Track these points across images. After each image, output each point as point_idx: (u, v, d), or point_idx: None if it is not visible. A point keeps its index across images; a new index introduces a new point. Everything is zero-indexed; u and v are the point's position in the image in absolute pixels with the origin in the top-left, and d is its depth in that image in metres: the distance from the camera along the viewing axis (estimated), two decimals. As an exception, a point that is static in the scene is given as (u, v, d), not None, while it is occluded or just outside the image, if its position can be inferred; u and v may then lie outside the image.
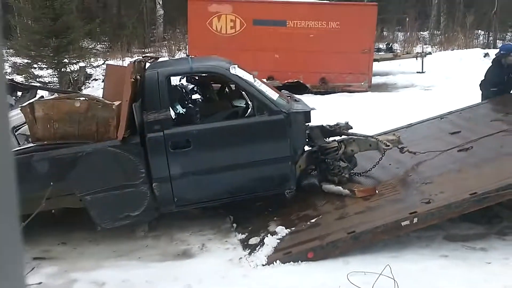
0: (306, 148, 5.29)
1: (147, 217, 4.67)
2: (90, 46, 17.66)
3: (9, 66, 13.36)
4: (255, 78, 4.98)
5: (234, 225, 4.86)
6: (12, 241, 0.41)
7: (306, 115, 5.02)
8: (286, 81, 12.29)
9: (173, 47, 20.14)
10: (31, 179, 4.24)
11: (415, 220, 4.05)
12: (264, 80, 6.76)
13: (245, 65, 5.30)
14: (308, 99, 6.11)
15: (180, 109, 5.42)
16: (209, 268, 4.04)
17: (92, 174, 4.39)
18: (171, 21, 23.34)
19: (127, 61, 9.68)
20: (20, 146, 4.57)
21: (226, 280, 3.84)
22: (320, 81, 12.66)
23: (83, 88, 12.24)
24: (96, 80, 13.01)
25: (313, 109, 5.06)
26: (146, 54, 14.71)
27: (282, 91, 5.99)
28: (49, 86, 9.58)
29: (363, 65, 12.66)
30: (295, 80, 12.51)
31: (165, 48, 20.63)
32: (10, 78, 6.54)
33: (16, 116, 4.65)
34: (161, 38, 22.97)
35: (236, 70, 4.83)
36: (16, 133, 4.67)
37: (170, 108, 4.84)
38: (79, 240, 4.68)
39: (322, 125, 5.39)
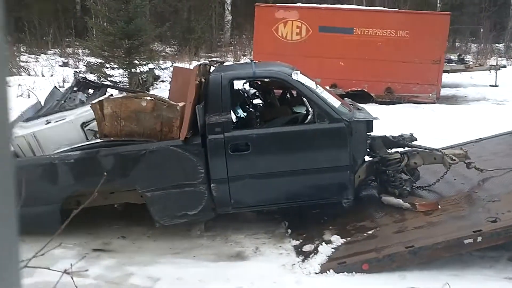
0: (367, 158, 5.18)
1: (204, 217, 4.74)
2: (159, 49, 18.28)
3: (84, 65, 14.09)
4: (317, 85, 4.94)
5: (289, 231, 4.83)
6: (9, 244, 0.41)
7: (369, 124, 4.91)
8: (349, 89, 12.11)
9: (238, 52, 20.43)
10: (97, 173, 4.41)
11: (479, 238, 3.84)
12: (327, 87, 6.70)
13: (309, 72, 5.27)
14: (372, 109, 5.99)
15: (241, 113, 5.48)
16: (261, 271, 4.04)
17: (153, 171, 4.52)
18: (238, 26, 23.71)
19: (194, 64, 9.92)
20: (88, 141, 4.79)
21: (278, 285, 3.82)
22: (385, 91, 12.36)
23: (151, 88, 12.68)
24: (163, 81, 13.44)
25: (376, 118, 4.94)
26: (212, 58, 15.03)
27: (345, 99, 5.91)
28: (119, 85, 10.00)
29: (432, 75, 12.23)
30: (359, 89, 12.30)
31: (230, 53, 20.97)
32: (83, 76, 6.88)
33: (86, 112, 4.88)
34: (228, 43, 23.38)
35: (298, 76, 4.81)
36: (85, 129, 4.90)
37: (232, 111, 4.90)
38: (138, 235, 4.83)
39: (385, 136, 5.26)
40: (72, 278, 1.85)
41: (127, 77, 12.66)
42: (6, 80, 0.41)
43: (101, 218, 5.03)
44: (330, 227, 4.67)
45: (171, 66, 12.76)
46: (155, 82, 13.41)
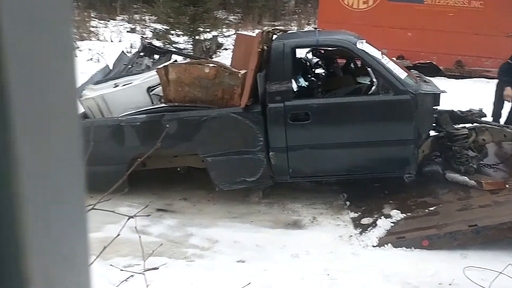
0: (432, 133, 5.01)
1: (262, 184, 4.80)
2: (223, 17, 18.30)
3: (150, 32, 14.40)
4: (383, 55, 4.78)
5: (347, 203, 4.80)
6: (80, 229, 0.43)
7: (436, 97, 4.73)
8: (417, 62, 11.63)
9: (302, 21, 20.09)
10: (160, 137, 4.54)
11: (550, 221, 3.65)
12: (394, 59, 6.47)
13: (375, 42, 5.10)
14: (440, 82, 5.74)
15: (303, 82, 5.42)
16: (318, 241, 4.06)
17: (214, 137, 4.60)
18: (303, -6, 23.22)
19: (256, 32, 9.88)
20: (153, 105, 4.93)
21: (334, 255, 3.83)
22: (455, 64, 11.76)
23: (214, 56, 12.78)
24: (226, 49, 13.49)
25: (443, 91, 4.74)
26: (276, 27, 14.87)
27: (411, 71, 5.70)
28: (183, 52, 10.16)
29: (506, 50, 11.47)
30: (428, 62, 11.77)
31: (294, 22, 20.65)
32: (149, 42, 7.04)
33: (152, 77, 5.01)
34: (292, 12, 23.01)
35: (363, 45, 4.68)
36: (151, 93, 5.04)
37: (293, 80, 4.86)
38: (199, 198, 4.97)
39: (453, 110, 5.05)
40: (136, 228, 1.94)
41: (191, 44, 12.82)
42: (73, 44, 0.41)
43: (165, 180, 5.21)
44: (390, 201, 4.59)
45: (234, 34, 12.78)
46: (218, 50, 13.48)
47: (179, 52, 8.93)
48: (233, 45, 8.43)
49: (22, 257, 0.33)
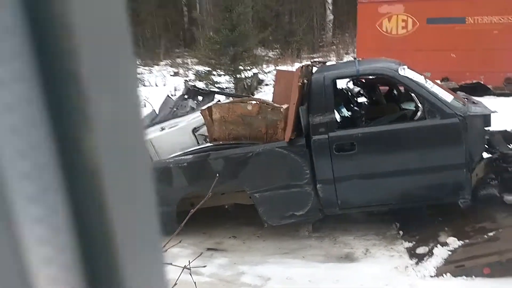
0: (486, 155, 4.83)
1: (311, 218, 4.74)
2: (263, 54, 18.65)
3: (193, 74, 14.85)
4: (427, 79, 4.71)
5: (401, 232, 4.66)
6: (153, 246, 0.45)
7: (486, 118, 4.58)
8: (463, 82, 11.35)
9: (341, 51, 20.15)
10: (208, 176, 4.61)
11: None
12: (438, 81, 6.35)
13: (417, 66, 5.05)
14: (489, 102, 5.56)
15: (345, 112, 5.40)
16: (372, 273, 3.95)
17: (260, 173, 4.62)
18: (340, 25, 23.39)
19: (296, 66, 9.97)
20: (199, 146, 5.03)
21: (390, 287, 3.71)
22: (505, 82, 11.39)
23: (255, 93, 12.97)
24: (267, 85, 13.68)
25: (494, 112, 4.59)
26: (315, 59, 14.98)
27: (458, 93, 5.57)
28: (225, 91, 10.37)
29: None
30: (475, 81, 11.46)
31: (333, 52, 20.74)
32: (193, 84, 7.25)
33: (197, 118, 5.14)
34: (330, 43, 23.15)
35: (405, 71, 4.63)
36: (196, 133, 5.16)
37: (336, 111, 4.85)
38: (248, 235, 4.96)
39: (506, 130, 4.87)
40: (190, 274, 1.96)
41: (233, 83, 13.09)
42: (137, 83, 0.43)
43: (213, 219, 5.24)
44: (446, 228, 4.41)
45: (274, 70, 12.96)
46: (259, 86, 13.70)
47: (222, 92, 9.14)
48: (273, 81, 8.54)
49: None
